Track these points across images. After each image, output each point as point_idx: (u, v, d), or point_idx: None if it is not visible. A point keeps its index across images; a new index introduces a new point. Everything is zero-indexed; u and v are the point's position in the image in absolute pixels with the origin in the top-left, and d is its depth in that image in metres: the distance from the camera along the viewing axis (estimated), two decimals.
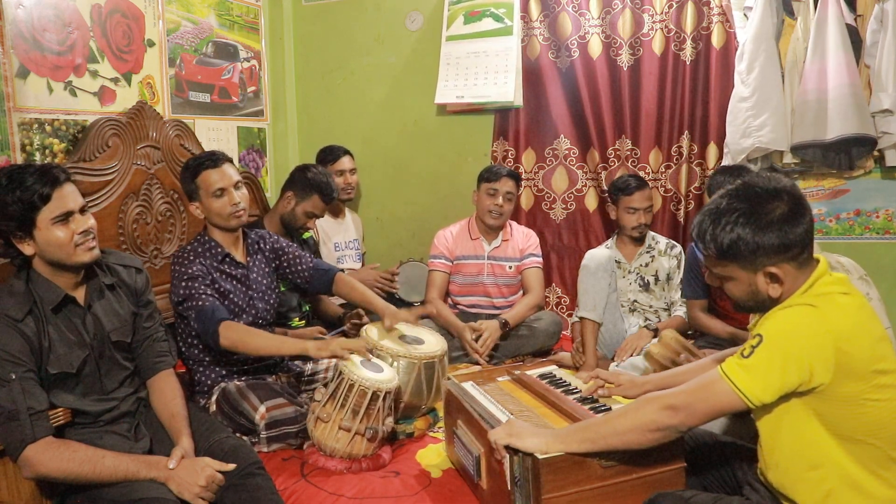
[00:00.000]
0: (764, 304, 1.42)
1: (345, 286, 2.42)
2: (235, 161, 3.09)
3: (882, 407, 1.32)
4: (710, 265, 1.47)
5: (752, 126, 2.93)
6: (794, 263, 1.37)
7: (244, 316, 2.28)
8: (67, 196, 1.68)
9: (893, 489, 1.35)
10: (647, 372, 2.41)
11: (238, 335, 2.07)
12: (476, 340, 2.87)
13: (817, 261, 1.41)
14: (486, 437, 1.61)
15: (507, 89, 3.27)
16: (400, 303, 3.21)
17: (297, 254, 2.45)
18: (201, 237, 2.28)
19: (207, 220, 2.27)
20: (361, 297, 2.39)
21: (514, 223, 3.26)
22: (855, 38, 2.86)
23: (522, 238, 3.19)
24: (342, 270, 2.48)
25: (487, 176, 3.06)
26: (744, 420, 1.94)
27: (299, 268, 2.44)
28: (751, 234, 1.35)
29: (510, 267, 3.14)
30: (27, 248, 1.67)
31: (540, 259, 3.18)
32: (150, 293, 1.96)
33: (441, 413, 2.19)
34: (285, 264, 2.44)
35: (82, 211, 1.72)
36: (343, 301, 2.90)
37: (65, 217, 1.67)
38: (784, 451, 1.38)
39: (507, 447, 1.54)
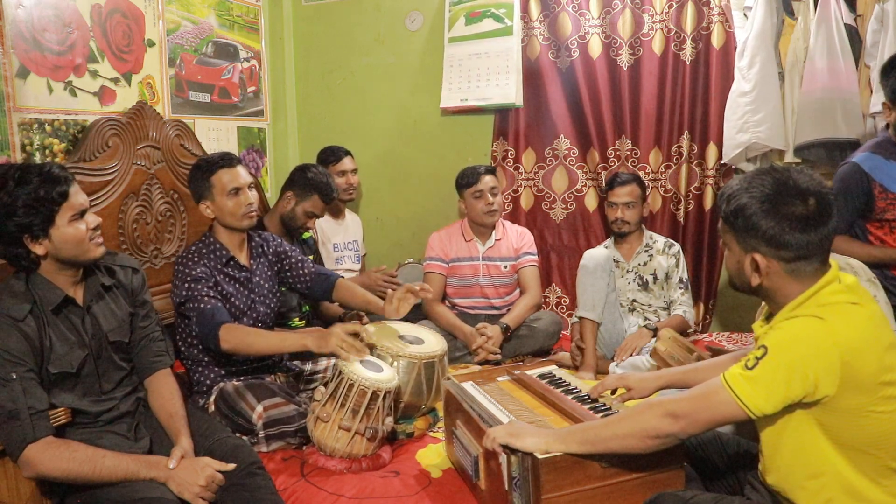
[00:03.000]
0: (746, 287, 1.42)
1: (345, 292, 2.41)
2: None
3: (885, 419, 1.31)
4: (720, 228, 1.46)
5: (750, 121, 2.92)
6: (784, 265, 1.35)
7: (245, 319, 2.28)
8: (80, 194, 1.72)
9: (892, 497, 1.34)
10: (653, 370, 2.41)
11: (238, 338, 2.07)
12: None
13: (829, 266, 1.38)
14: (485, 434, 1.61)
15: (508, 90, 3.29)
16: None
17: (298, 259, 2.45)
18: (206, 238, 2.28)
19: (217, 221, 2.27)
20: (363, 299, 2.38)
21: (506, 222, 3.25)
22: (855, 38, 2.86)
23: (516, 237, 3.19)
24: (342, 276, 2.48)
25: (466, 181, 3.06)
26: (746, 422, 1.94)
27: (300, 273, 2.44)
28: (755, 210, 1.34)
29: (505, 266, 3.14)
30: (40, 249, 1.67)
31: (535, 257, 3.18)
32: (146, 293, 1.96)
33: (441, 413, 2.19)
34: (287, 269, 2.44)
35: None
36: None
37: (81, 214, 1.70)
38: (785, 458, 1.38)
39: (506, 447, 1.54)
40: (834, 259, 1.41)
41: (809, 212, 1.32)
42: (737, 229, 1.38)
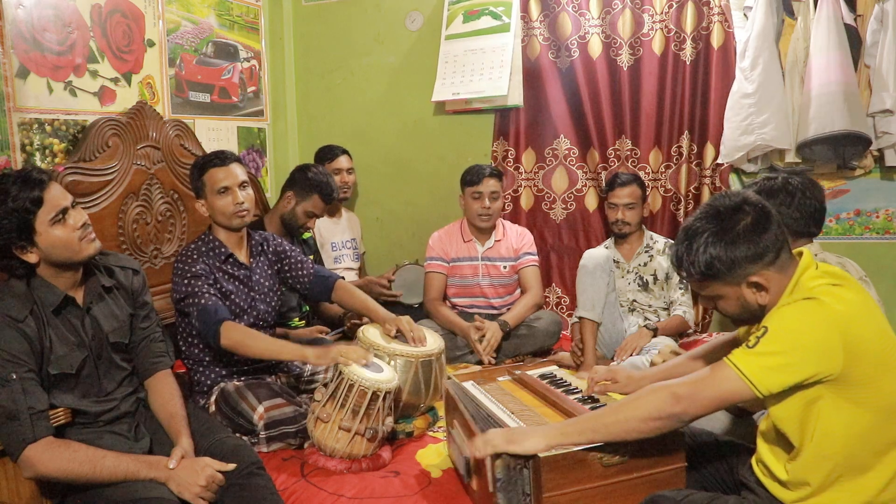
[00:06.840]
0: (756, 315, 1.45)
1: (344, 293, 2.40)
2: None
3: None
4: (696, 289, 1.52)
5: (755, 123, 2.92)
6: (773, 268, 1.40)
7: (245, 317, 2.27)
8: (58, 194, 1.68)
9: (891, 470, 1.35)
10: None
11: (239, 336, 2.07)
12: (480, 341, 2.86)
13: (800, 254, 1.44)
14: (473, 439, 1.59)
15: (501, 84, 3.26)
16: (402, 307, 3.21)
17: (298, 259, 2.45)
18: (206, 236, 2.28)
19: (212, 219, 2.27)
20: (362, 304, 2.37)
21: (506, 222, 3.25)
22: (855, 38, 2.86)
23: (516, 237, 3.18)
24: (341, 277, 2.47)
25: (469, 179, 3.04)
26: (743, 422, 1.94)
27: (300, 273, 2.43)
28: (723, 250, 1.39)
29: (504, 267, 3.13)
30: (31, 257, 1.66)
31: (536, 257, 3.18)
32: (146, 294, 1.96)
33: (441, 412, 2.19)
34: (286, 268, 2.44)
35: (73, 205, 1.72)
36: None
37: (61, 215, 1.67)
38: (813, 441, 1.36)
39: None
40: (828, 255, 1.44)
41: (755, 216, 1.41)
42: (721, 276, 1.42)
